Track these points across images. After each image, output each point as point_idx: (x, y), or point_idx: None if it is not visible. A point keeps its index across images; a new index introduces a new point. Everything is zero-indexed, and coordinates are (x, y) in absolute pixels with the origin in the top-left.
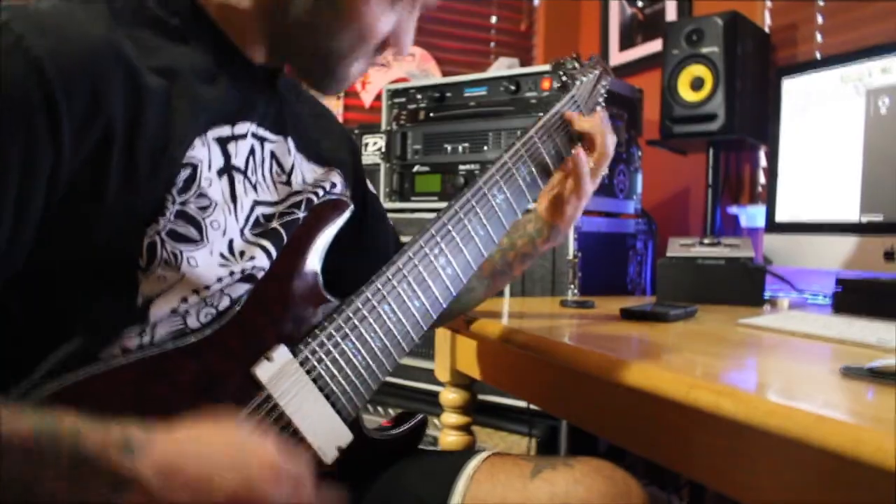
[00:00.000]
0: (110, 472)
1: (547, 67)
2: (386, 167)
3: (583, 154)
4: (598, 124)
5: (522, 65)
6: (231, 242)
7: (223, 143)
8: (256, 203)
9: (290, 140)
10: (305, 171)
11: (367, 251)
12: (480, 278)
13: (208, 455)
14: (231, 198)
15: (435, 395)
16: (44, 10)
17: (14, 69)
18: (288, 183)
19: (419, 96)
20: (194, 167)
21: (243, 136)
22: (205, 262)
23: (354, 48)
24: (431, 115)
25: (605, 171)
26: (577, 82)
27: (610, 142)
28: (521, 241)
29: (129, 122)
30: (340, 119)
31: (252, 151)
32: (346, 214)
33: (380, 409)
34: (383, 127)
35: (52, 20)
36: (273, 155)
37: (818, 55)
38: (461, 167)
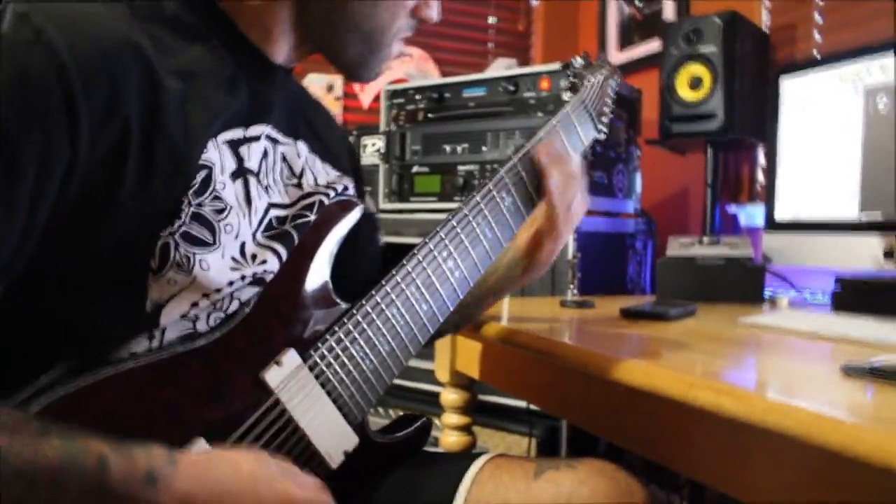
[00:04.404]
0: (133, 502)
1: (545, 67)
2: (385, 168)
3: (555, 187)
4: (552, 158)
5: (521, 65)
6: (243, 246)
7: (235, 146)
8: (271, 206)
9: (300, 143)
10: (318, 174)
11: (354, 261)
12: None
13: (229, 492)
14: (246, 201)
15: (435, 395)
16: (64, 3)
17: (34, 63)
18: (298, 186)
19: (418, 97)
20: (209, 169)
21: (256, 139)
22: (216, 266)
23: (394, 18)
24: (430, 115)
25: (576, 217)
26: (586, 82)
27: (554, 184)
28: (492, 279)
29: (147, 122)
30: (339, 120)
31: (265, 154)
32: (356, 214)
33: (380, 409)
34: (382, 128)
35: (72, 15)
36: (284, 157)
37: (816, 54)
38: (460, 168)
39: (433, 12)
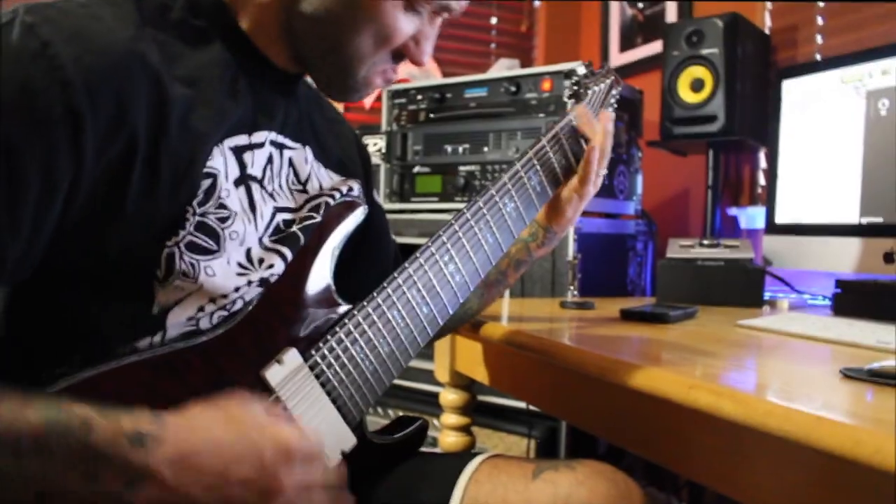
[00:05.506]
0: (122, 465)
1: (547, 68)
2: (386, 168)
3: (597, 152)
4: (599, 127)
5: (523, 66)
6: (249, 251)
7: (239, 152)
8: (277, 210)
9: (308, 148)
10: (322, 179)
11: (364, 263)
12: (475, 289)
13: (220, 443)
14: (250, 207)
15: (435, 395)
16: (71, 11)
17: (38, 76)
18: (304, 191)
19: (420, 97)
20: (214, 177)
21: (260, 146)
22: (222, 272)
23: (374, 50)
24: (432, 115)
25: (603, 173)
26: (590, 91)
27: (608, 143)
28: (514, 249)
29: (152, 133)
30: None
31: (270, 160)
32: (359, 214)
33: (380, 409)
34: (384, 128)
35: (79, 26)
36: (291, 162)
37: (818, 57)
38: (461, 168)
39: (423, 57)
